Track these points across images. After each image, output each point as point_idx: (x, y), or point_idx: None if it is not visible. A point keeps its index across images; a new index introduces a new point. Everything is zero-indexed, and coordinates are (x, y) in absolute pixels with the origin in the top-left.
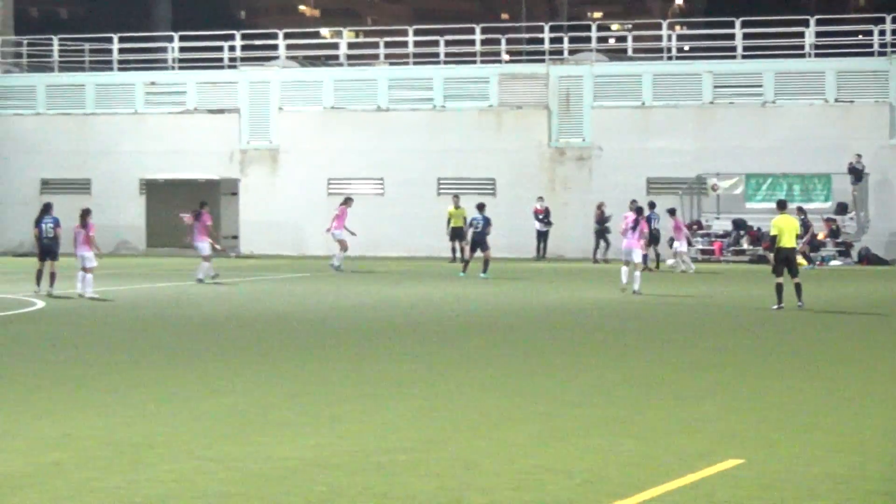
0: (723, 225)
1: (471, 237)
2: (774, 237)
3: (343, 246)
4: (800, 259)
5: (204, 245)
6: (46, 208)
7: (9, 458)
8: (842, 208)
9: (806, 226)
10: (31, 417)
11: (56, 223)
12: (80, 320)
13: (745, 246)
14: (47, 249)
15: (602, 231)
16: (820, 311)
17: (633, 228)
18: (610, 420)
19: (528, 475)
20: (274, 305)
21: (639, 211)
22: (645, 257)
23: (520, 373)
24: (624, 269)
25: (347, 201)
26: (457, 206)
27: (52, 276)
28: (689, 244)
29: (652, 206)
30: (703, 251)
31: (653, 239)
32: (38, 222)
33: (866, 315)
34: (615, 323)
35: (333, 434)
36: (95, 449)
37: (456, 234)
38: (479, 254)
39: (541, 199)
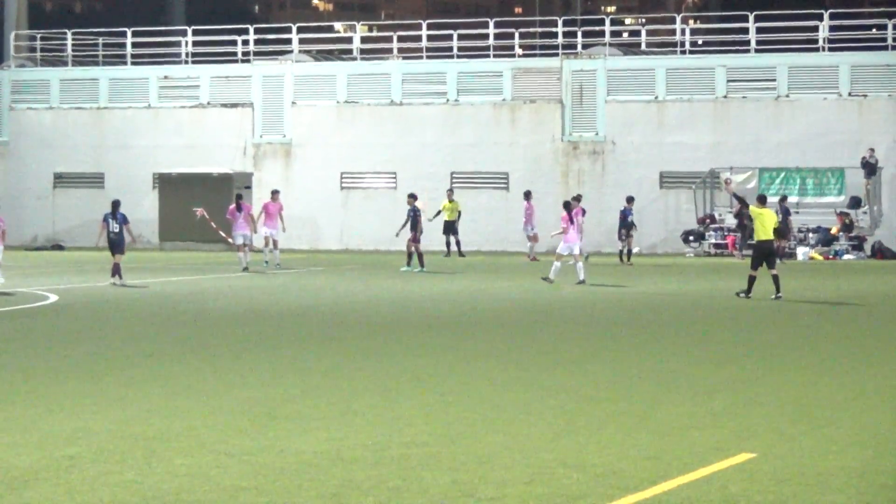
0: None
1: (412, 228)
2: (752, 231)
3: (267, 242)
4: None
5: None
6: (115, 205)
7: (23, 451)
8: (855, 202)
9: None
10: (46, 411)
11: (124, 220)
12: (95, 314)
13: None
14: (114, 243)
15: (630, 224)
16: (834, 305)
17: (572, 222)
18: (623, 414)
19: (541, 469)
20: (288, 299)
21: (567, 206)
22: (621, 252)
23: (533, 367)
24: (557, 263)
25: (274, 194)
26: (450, 200)
27: (117, 267)
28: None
29: (630, 200)
30: (716, 245)
31: (627, 231)
32: (106, 218)
33: (880, 309)
34: (629, 317)
35: (347, 428)
36: (110, 443)
37: (448, 227)
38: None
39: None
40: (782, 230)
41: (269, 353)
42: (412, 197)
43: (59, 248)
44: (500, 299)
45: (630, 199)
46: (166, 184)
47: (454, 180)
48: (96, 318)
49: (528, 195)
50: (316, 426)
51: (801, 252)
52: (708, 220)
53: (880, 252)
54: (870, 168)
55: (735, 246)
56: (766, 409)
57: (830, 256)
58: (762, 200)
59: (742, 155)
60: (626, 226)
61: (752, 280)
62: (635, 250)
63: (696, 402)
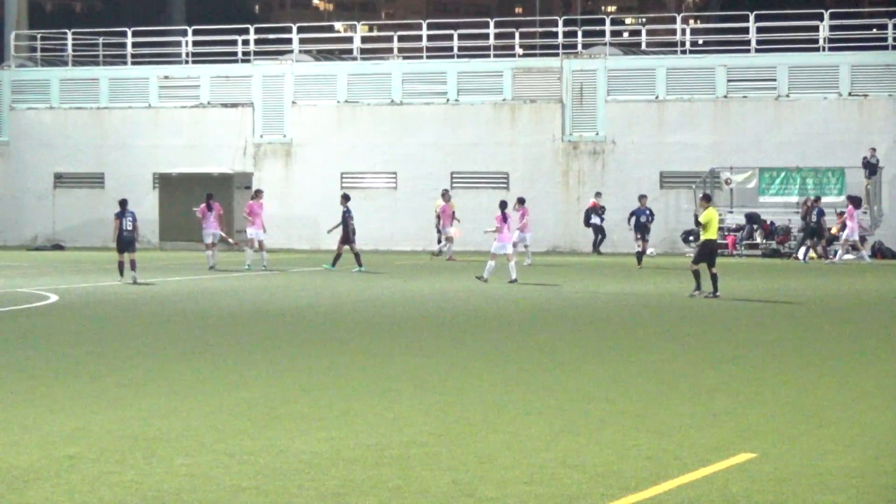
0: (736, 219)
1: (344, 229)
2: (699, 230)
3: (253, 244)
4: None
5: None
6: (124, 204)
7: (24, 451)
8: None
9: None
10: (46, 411)
11: (134, 218)
12: (95, 314)
13: (759, 240)
14: (128, 242)
15: (644, 226)
16: (833, 305)
17: (505, 221)
18: (623, 414)
19: (541, 469)
20: (288, 299)
21: (503, 205)
22: (639, 255)
23: (533, 367)
24: (491, 262)
25: (258, 194)
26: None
27: (133, 264)
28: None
29: (643, 198)
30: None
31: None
32: (118, 216)
33: (880, 309)
34: (629, 317)
35: (347, 428)
36: (110, 442)
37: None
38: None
39: (598, 194)
40: (817, 230)
41: (269, 353)
42: (345, 198)
43: (60, 248)
44: (500, 299)
45: (643, 198)
46: (166, 184)
47: (454, 180)
48: (96, 318)
49: (444, 194)
50: (316, 426)
51: (801, 252)
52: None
53: (880, 252)
54: (871, 168)
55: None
56: (766, 409)
57: (831, 256)
58: (708, 199)
59: (742, 155)
60: (640, 227)
61: (697, 274)
62: (650, 252)
63: (696, 402)
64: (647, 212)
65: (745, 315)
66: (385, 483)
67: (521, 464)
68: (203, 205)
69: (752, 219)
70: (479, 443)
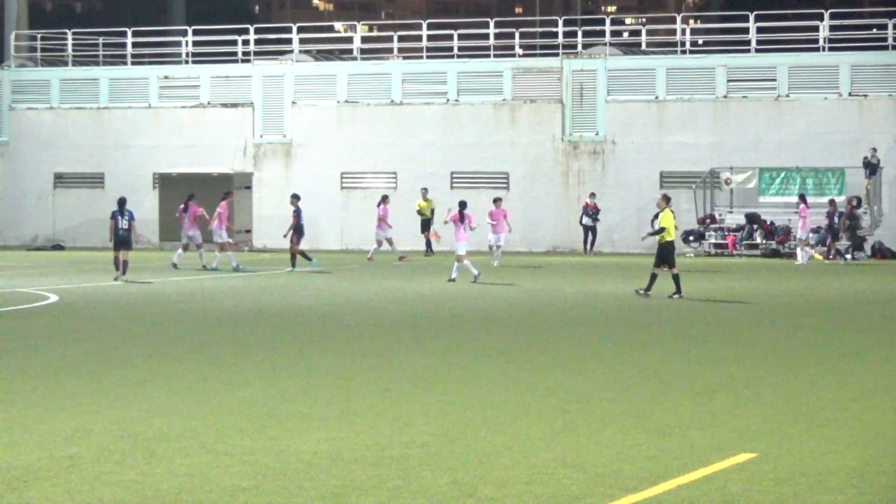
0: (736, 219)
1: (296, 228)
2: (662, 230)
3: (226, 246)
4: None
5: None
6: (122, 203)
7: (24, 451)
8: (856, 202)
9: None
10: (46, 411)
11: (131, 216)
12: (95, 314)
13: (759, 240)
14: (123, 240)
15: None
16: (834, 304)
17: (462, 222)
18: (623, 414)
19: (541, 469)
20: (288, 299)
21: (463, 205)
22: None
23: (534, 367)
24: (457, 263)
25: (227, 195)
26: (425, 199)
27: (125, 264)
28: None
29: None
30: (716, 245)
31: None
32: (114, 215)
33: (880, 309)
34: (629, 317)
35: (348, 428)
36: (110, 442)
37: (425, 225)
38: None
39: (592, 194)
40: (833, 231)
41: (269, 353)
42: (295, 197)
43: (60, 248)
44: (500, 299)
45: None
46: (167, 184)
47: (454, 180)
48: (96, 318)
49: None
50: (316, 426)
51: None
52: (708, 220)
53: (881, 252)
54: (871, 168)
55: (735, 246)
56: (766, 409)
57: (831, 256)
58: (667, 200)
59: (742, 155)
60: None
61: (654, 277)
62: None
63: (696, 402)
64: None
65: (745, 315)
66: (385, 483)
67: (522, 464)
68: (181, 205)
69: (752, 219)
70: (479, 443)
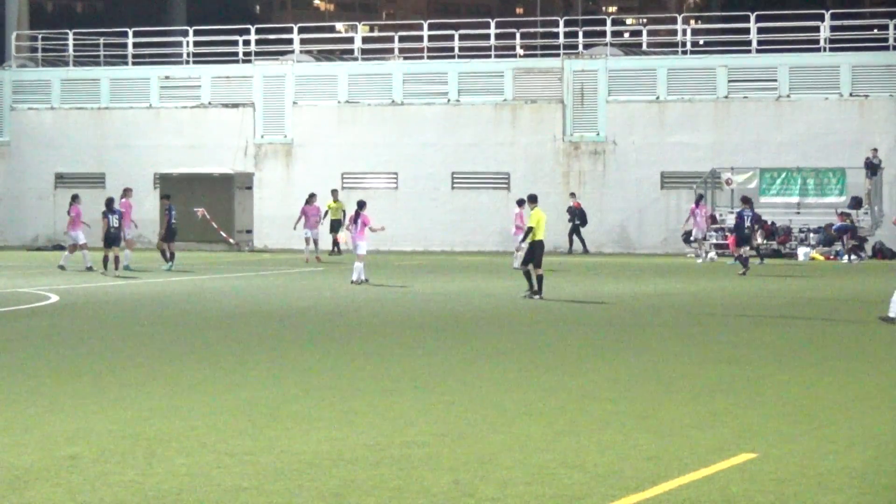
0: None
1: (172, 228)
2: (530, 230)
3: (77, 247)
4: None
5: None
6: (110, 202)
7: (24, 451)
8: (856, 203)
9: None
10: (46, 411)
11: (121, 215)
12: (95, 314)
13: (759, 240)
14: (114, 238)
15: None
16: (834, 305)
17: (356, 222)
18: (624, 415)
19: (542, 469)
20: (289, 300)
21: (360, 205)
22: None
23: (534, 367)
24: (358, 264)
25: (126, 192)
26: (335, 200)
27: (117, 260)
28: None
29: (746, 201)
30: (717, 245)
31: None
32: (105, 214)
33: (880, 310)
34: (630, 318)
35: (348, 428)
36: (110, 443)
37: (334, 226)
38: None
39: (572, 194)
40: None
41: (269, 353)
42: (166, 197)
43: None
44: (499, 299)
45: (747, 200)
46: (167, 184)
47: (455, 180)
48: (96, 318)
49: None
50: (316, 426)
51: (802, 252)
52: (709, 221)
53: (881, 252)
54: (872, 168)
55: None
56: (766, 409)
57: (832, 257)
58: (533, 200)
59: (743, 155)
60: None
61: (528, 275)
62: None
63: (696, 402)
64: (751, 214)
65: (746, 315)
66: (385, 483)
67: (522, 464)
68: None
69: (753, 219)
70: (479, 443)
